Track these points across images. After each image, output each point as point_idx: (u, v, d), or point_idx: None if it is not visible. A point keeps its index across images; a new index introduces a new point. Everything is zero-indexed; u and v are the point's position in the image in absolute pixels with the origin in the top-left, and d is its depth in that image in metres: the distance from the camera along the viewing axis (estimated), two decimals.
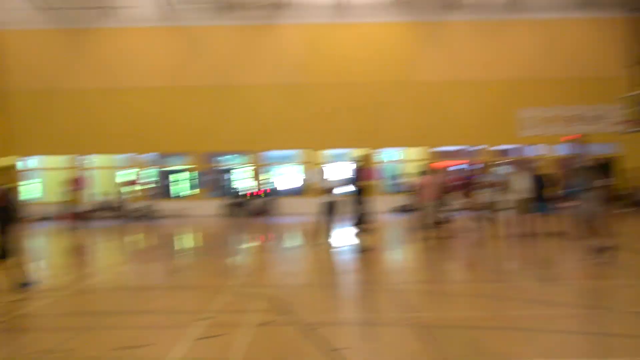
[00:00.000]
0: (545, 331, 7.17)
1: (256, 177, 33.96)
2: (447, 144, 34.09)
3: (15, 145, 33.03)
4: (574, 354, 6.26)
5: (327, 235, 16.91)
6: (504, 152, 36.27)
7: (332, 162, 33.69)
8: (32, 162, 34.97)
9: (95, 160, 35.68)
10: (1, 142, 32.66)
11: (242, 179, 36.71)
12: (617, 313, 7.98)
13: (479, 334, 7.08)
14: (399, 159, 37.30)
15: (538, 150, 33.69)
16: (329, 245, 16.51)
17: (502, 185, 18.24)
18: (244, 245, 19.40)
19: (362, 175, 15.28)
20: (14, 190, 10.16)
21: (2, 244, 10.32)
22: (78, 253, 17.28)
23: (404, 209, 31.34)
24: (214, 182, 37.38)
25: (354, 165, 15.94)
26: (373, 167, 15.50)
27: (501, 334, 7.15)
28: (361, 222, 14.99)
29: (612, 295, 9.22)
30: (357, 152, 33.87)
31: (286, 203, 33.63)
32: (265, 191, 34.17)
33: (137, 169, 33.95)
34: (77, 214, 28.26)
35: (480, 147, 33.87)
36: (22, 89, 33.03)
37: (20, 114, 32.94)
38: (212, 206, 33.64)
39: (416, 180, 19.01)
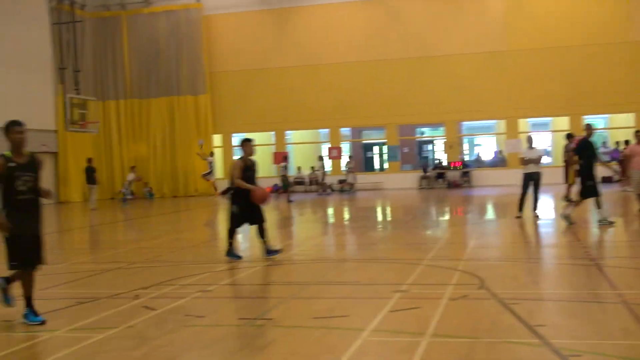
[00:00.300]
0: None
1: (454, 148, 33.38)
2: None
3: (222, 123, 35.05)
4: None
5: (532, 207, 16.26)
6: None
7: (533, 131, 32.32)
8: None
9: (297, 135, 37.04)
10: (210, 121, 34.81)
11: (440, 151, 36.36)
12: None
13: None
14: (605, 127, 34.98)
15: None
16: (532, 218, 15.88)
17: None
18: (440, 218, 19.19)
19: (586, 147, 14.49)
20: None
21: None
22: (282, 225, 18.01)
23: (609, 180, 29.38)
24: (411, 154, 37.36)
25: (580, 136, 15.38)
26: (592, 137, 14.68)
27: None
28: (590, 193, 14.21)
29: None
30: (565, 121, 32.38)
31: (485, 175, 32.83)
32: (463, 163, 33.56)
33: (337, 144, 34.68)
34: (283, 188, 29.61)
35: None
36: (228, 70, 34.85)
37: (226, 94, 34.84)
38: (409, 178, 33.66)
39: (625, 148, 17.71)
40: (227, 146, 35.39)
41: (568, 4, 31.33)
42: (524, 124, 33.39)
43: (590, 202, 14.25)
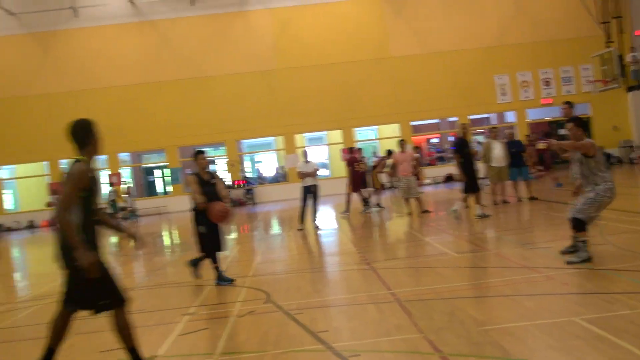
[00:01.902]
0: (526, 295, 7.19)
1: (236, 167, 33.78)
2: (423, 118, 34.11)
3: None
4: (555, 314, 6.27)
5: (311, 220, 16.93)
6: (482, 121, 36.39)
7: (310, 146, 33.64)
8: (3, 172, 34.68)
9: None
10: None
11: (222, 170, 36.55)
12: (595, 272, 8.01)
13: (460, 303, 7.09)
14: (374, 137, 37.34)
15: (515, 117, 33.81)
16: (313, 229, 16.53)
17: (480, 155, 18.29)
18: (226, 237, 19.31)
19: (462, 145, 15.23)
20: None
21: None
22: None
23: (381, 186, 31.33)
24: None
25: (455, 136, 16.15)
26: (470, 137, 15.57)
27: (482, 302, 7.17)
28: (472, 189, 15.05)
29: (592, 255, 9.24)
30: (339, 134, 34.07)
31: (268, 191, 33.59)
32: (245, 180, 34.07)
33: (116, 170, 33.69)
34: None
35: (457, 118, 33.93)
36: None
37: None
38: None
39: (392, 156, 19.06)
40: None
41: (332, 23, 33.07)
42: (301, 138, 34.66)
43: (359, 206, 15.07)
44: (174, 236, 21.90)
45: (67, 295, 5.56)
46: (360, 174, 20.31)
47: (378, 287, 8.49)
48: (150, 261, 14.66)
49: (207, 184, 9.99)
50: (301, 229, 16.61)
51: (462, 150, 15.16)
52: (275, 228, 20.30)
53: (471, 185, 15.13)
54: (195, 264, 10.37)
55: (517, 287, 7.68)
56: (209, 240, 10.05)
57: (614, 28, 31.04)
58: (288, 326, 6.90)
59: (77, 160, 5.42)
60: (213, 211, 9.67)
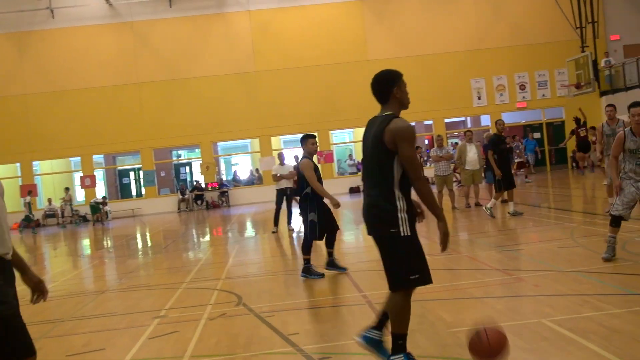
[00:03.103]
0: (496, 297, 7.23)
1: (211, 169, 33.65)
2: None
3: None
4: (524, 316, 6.31)
5: (287, 221, 16.91)
6: (458, 124, 36.63)
7: (286, 148, 33.59)
8: None
9: (47, 165, 35.11)
10: None
11: (197, 173, 36.41)
12: (566, 274, 8.07)
13: (431, 305, 7.11)
14: (350, 140, 37.41)
15: (491, 120, 34.02)
16: (288, 231, 16.51)
17: (456, 158, 18.39)
18: (200, 240, 19.23)
19: (498, 141, 15.20)
20: None
21: None
22: (33, 262, 16.91)
23: (356, 189, 31.50)
24: (168, 178, 37.02)
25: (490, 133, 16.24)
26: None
27: (453, 304, 7.19)
28: (507, 186, 14.96)
29: (562, 258, 9.31)
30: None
31: (242, 193, 33.50)
32: (220, 183, 33.97)
33: (90, 172, 33.42)
34: (29, 221, 27.91)
35: (432, 121, 34.14)
36: None
37: None
38: (168, 202, 33.38)
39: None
40: None
41: (311, 26, 33.04)
42: (277, 141, 34.62)
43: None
44: (147, 239, 21.74)
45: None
46: None
47: (350, 290, 8.49)
48: (123, 264, 14.54)
49: (317, 170, 9.64)
50: (275, 232, 16.58)
51: (498, 147, 15.02)
52: (250, 230, 20.24)
53: (506, 182, 15.10)
54: (308, 270, 9.67)
55: (488, 289, 7.71)
56: (323, 226, 9.56)
57: (589, 33, 31.35)
58: (259, 329, 6.87)
59: (393, 116, 4.93)
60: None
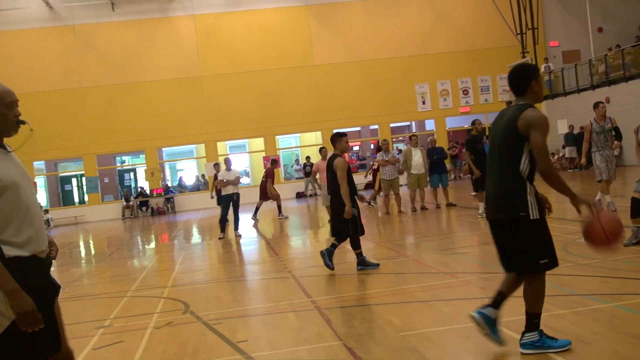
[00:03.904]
0: (444, 300, 7.28)
1: (156, 175, 33.22)
2: (345, 126, 34.33)
3: None
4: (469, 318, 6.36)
5: (233, 227, 16.78)
6: (403, 129, 36.98)
7: (232, 153, 33.40)
8: None
9: None
10: None
11: (142, 179, 35.89)
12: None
13: (380, 309, 7.12)
14: (296, 145, 37.42)
15: (435, 124, 34.46)
16: (235, 237, 16.39)
17: (400, 162, 18.52)
18: (146, 247, 18.96)
19: (474, 142, 15.02)
20: None
21: None
22: None
23: (302, 195, 31.53)
24: (112, 184, 36.41)
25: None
26: None
27: (401, 308, 7.22)
28: (483, 186, 14.71)
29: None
30: (261, 142, 33.96)
31: (188, 199, 33.17)
32: (166, 189, 33.56)
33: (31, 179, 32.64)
34: None
35: (377, 126, 34.40)
36: None
37: None
38: (112, 209, 32.82)
39: (314, 164, 19.07)
40: None
41: (256, 31, 32.94)
42: (223, 146, 34.38)
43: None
44: (90, 247, 21.31)
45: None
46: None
47: (298, 295, 8.45)
48: (66, 272, 14.20)
49: (349, 170, 9.74)
50: (222, 238, 16.44)
51: (474, 147, 14.83)
52: (196, 237, 20.03)
53: (483, 183, 14.92)
54: (331, 252, 9.69)
55: (435, 292, 7.77)
56: (356, 224, 9.62)
57: (529, 39, 32.02)
58: (207, 337, 6.78)
59: (528, 105, 5.03)
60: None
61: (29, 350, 3.43)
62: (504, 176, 4.98)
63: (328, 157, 10.23)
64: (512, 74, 5.20)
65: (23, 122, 3.96)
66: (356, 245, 9.72)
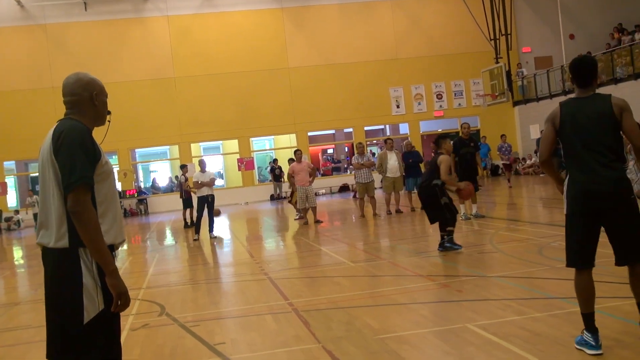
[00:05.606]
0: (421, 303, 7.31)
1: (129, 176, 32.93)
2: (320, 129, 34.42)
3: None
4: (449, 321, 6.39)
5: (208, 229, 16.69)
6: (377, 132, 37.09)
7: (206, 155, 33.23)
8: None
9: None
10: None
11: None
12: (488, 279, 8.24)
13: (357, 312, 7.13)
14: (271, 147, 37.36)
15: (409, 128, 34.61)
16: (210, 239, 16.30)
17: (375, 165, 18.58)
18: (118, 248, 18.75)
19: (460, 144, 15.00)
20: None
21: None
22: None
23: (276, 197, 31.45)
24: None
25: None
26: None
27: (379, 310, 7.23)
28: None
29: (482, 263, 9.53)
30: (235, 144, 33.83)
31: (161, 201, 32.93)
32: (138, 190, 33.29)
33: (1, 179, 32.18)
34: None
35: (352, 129, 34.46)
36: None
37: None
38: None
39: (289, 167, 19.08)
40: None
41: (231, 33, 32.81)
42: (197, 148, 34.19)
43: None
44: None
45: None
46: None
47: (275, 298, 8.43)
48: (38, 274, 14.01)
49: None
50: (196, 239, 16.35)
51: (458, 151, 14.60)
52: (170, 239, 19.89)
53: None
54: (451, 240, 10.61)
55: (412, 295, 7.80)
56: (450, 209, 10.64)
57: (502, 45, 32.33)
58: (184, 339, 6.73)
59: (610, 95, 5.17)
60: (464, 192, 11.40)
61: (109, 337, 3.66)
62: (613, 163, 5.04)
63: (433, 157, 11.03)
64: (584, 65, 5.24)
65: (109, 113, 4.32)
66: (444, 228, 10.63)
